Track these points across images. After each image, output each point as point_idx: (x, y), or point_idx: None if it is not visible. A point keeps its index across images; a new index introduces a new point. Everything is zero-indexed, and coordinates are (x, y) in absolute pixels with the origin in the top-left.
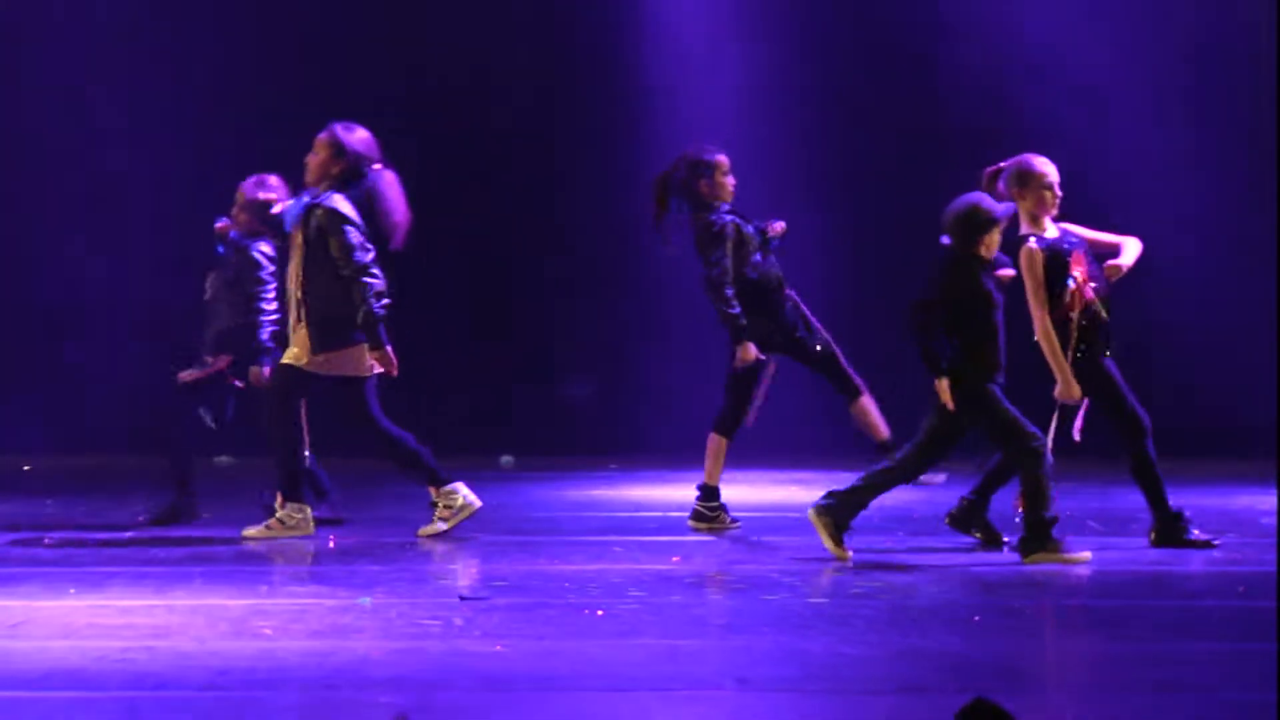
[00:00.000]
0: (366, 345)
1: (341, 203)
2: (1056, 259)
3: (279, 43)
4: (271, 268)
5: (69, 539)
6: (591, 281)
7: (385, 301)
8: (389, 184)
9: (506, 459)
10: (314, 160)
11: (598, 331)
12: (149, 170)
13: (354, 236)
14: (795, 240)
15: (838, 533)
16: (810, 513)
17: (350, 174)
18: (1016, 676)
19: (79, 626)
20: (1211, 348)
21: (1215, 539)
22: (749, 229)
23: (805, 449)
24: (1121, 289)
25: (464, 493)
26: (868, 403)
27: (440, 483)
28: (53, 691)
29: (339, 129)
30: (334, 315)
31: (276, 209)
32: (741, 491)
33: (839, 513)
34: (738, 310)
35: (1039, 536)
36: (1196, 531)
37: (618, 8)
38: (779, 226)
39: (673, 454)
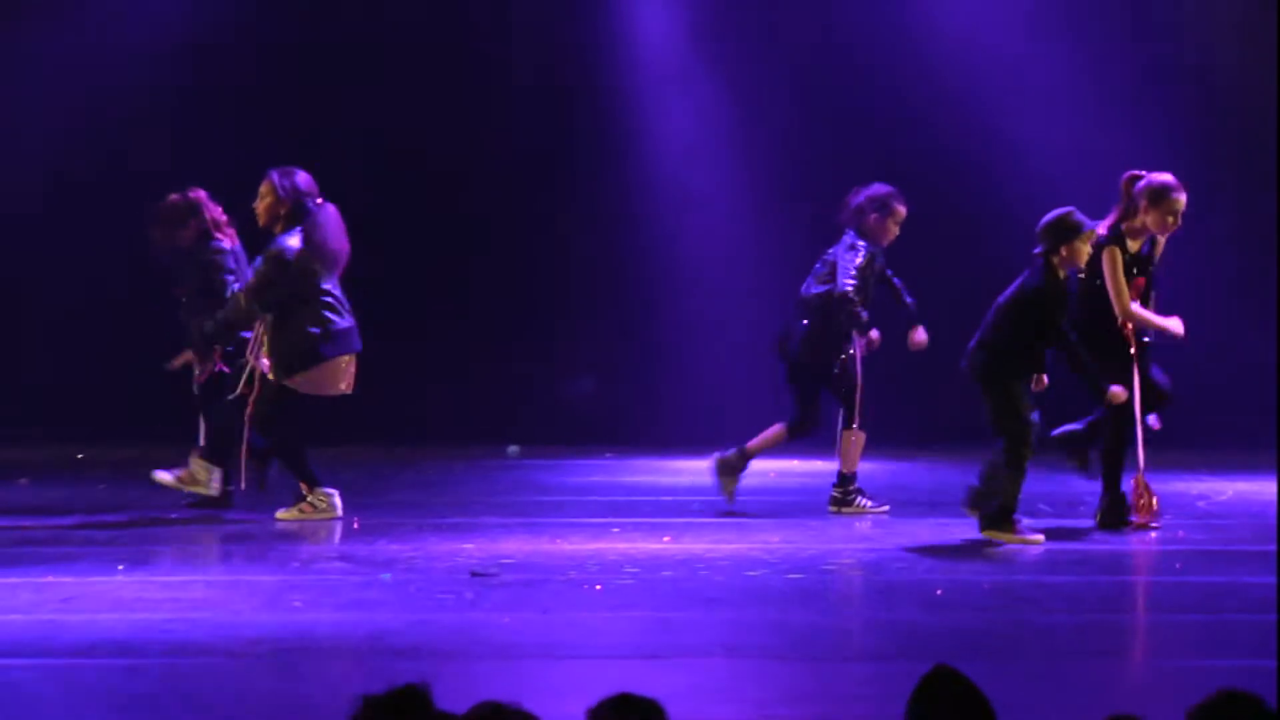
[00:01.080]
0: (330, 362)
1: (291, 241)
2: (1127, 271)
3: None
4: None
5: (118, 521)
6: (590, 294)
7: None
8: (329, 216)
9: (513, 449)
10: (261, 205)
11: (595, 337)
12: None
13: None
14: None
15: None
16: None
17: (295, 211)
18: (976, 646)
19: (126, 600)
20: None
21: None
22: (880, 261)
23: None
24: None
25: (334, 500)
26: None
27: (315, 484)
28: (101, 659)
29: (276, 175)
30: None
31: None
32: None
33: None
34: (866, 315)
35: (1004, 519)
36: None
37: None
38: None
39: (662, 445)
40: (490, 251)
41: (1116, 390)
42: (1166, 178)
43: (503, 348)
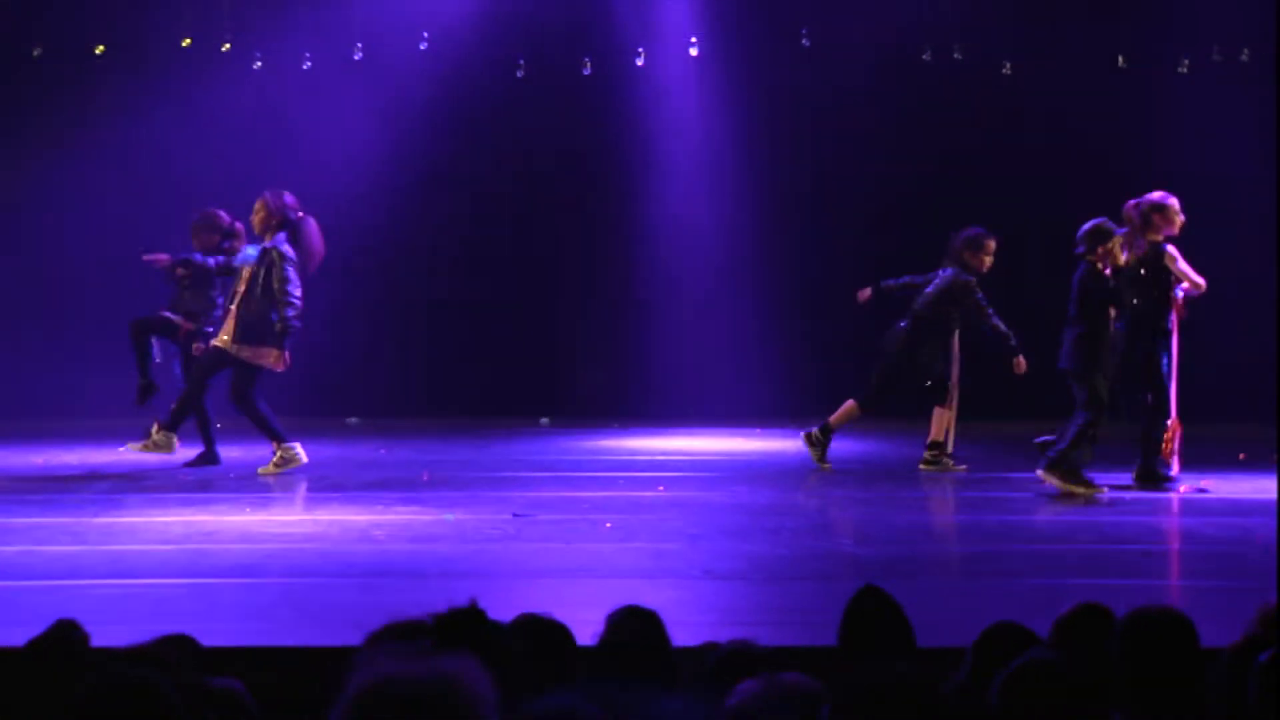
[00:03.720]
0: (275, 347)
1: (286, 246)
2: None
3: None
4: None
5: (247, 473)
6: (605, 302)
7: (297, 320)
8: (310, 228)
9: (544, 420)
10: (256, 219)
11: (607, 335)
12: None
13: (290, 272)
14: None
15: (1076, 477)
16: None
17: (282, 223)
18: (894, 570)
19: (253, 534)
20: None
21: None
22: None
23: (743, 411)
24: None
25: (298, 450)
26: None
27: (281, 440)
28: (234, 579)
29: (269, 194)
30: (257, 324)
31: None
32: (703, 443)
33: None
34: (1005, 329)
35: (1072, 470)
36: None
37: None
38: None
39: (657, 419)
40: (524, 268)
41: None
42: (1163, 197)
43: (537, 342)
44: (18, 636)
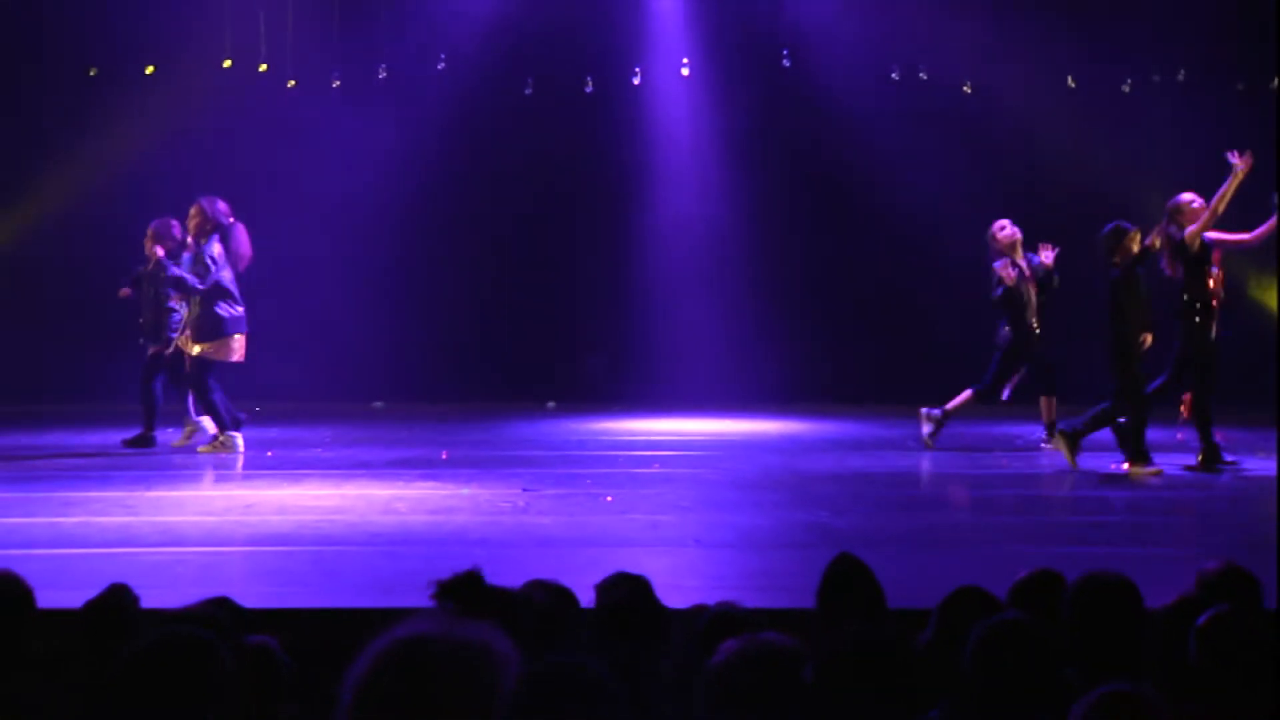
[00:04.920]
0: (231, 338)
1: (215, 247)
2: (1208, 250)
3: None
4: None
5: (282, 452)
6: (606, 300)
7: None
8: (239, 233)
9: (551, 404)
10: (191, 223)
11: (608, 329)
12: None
13: (211, 266)
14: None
15: (1076, 450)
16: (1057, 435)
17: (215, 227)
18: (867, 539)
19: (287, 506)
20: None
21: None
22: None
23: (732, 396)
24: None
25: (237, 440)
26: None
27: (225, 429)
28: (270, 547)
29: (204, 201)
30: (206, 321)
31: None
32: (695, 425)
33: (1076, 438)
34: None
35: (1139, 454)
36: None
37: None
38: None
39: (653, 405)
40: (535, 267)
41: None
42: (1177, 198)
43: (545, 334)
44: (75, 599)
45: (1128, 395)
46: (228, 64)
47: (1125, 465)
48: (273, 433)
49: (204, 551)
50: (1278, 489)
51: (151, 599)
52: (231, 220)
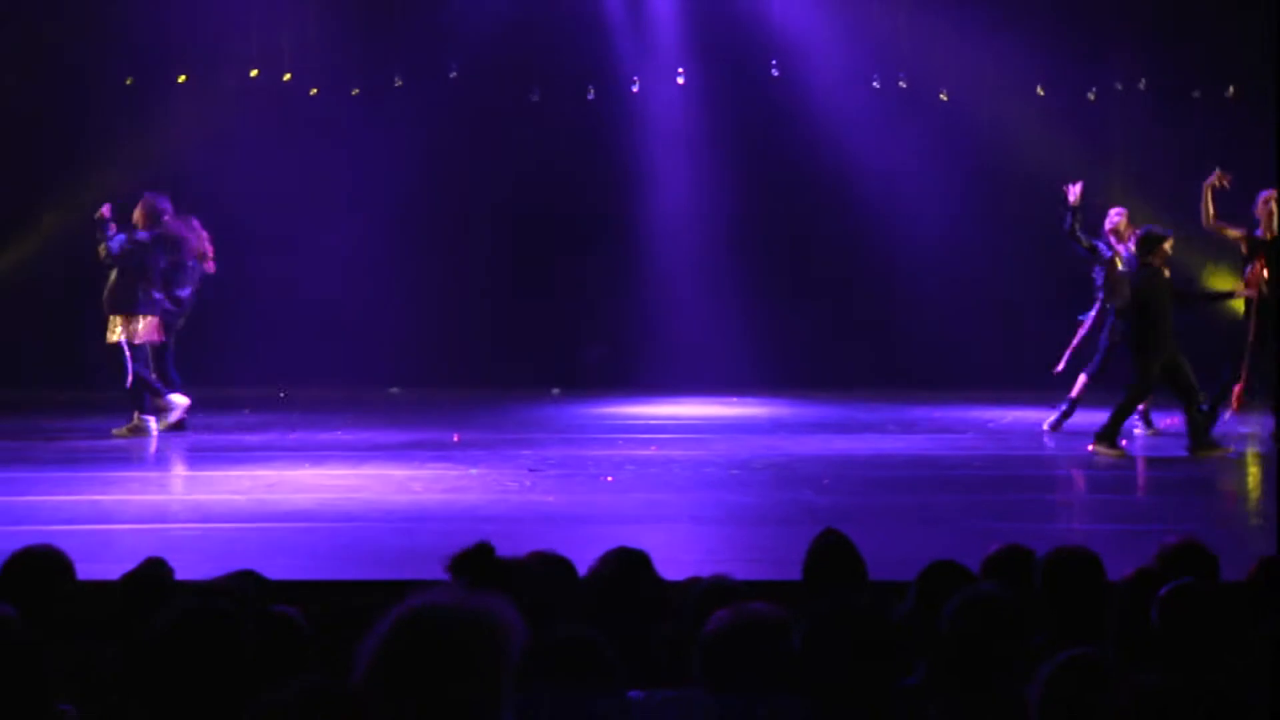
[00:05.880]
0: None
1: (145, 235)
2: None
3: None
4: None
5: (304, 435)
6: (606, 291)
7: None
8: (178, 226)
9: (556, 390)
10: (137, 215)
11: (609, 319)
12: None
13: (146, 255)
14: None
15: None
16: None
17: (155, 221)
18: (849, 516)
19: (308, 485)
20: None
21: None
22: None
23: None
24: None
25: (151, 425)
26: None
27: (144, 412)
28: (293, 523)
29: (149, 195)
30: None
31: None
32: (690, 409)
33: (1110, 432)
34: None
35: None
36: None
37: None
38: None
39: (650, 389)
40: (541, 262)
41: None
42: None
43: (550, 324)
44: (114, 571)
45: (1141, 382)
46: (254, 74)
47: (1188, 449)
48: (295, 418)
49: (232, 527)
50: (1276, 473)
51: (184, 571)
52: (169, 216)
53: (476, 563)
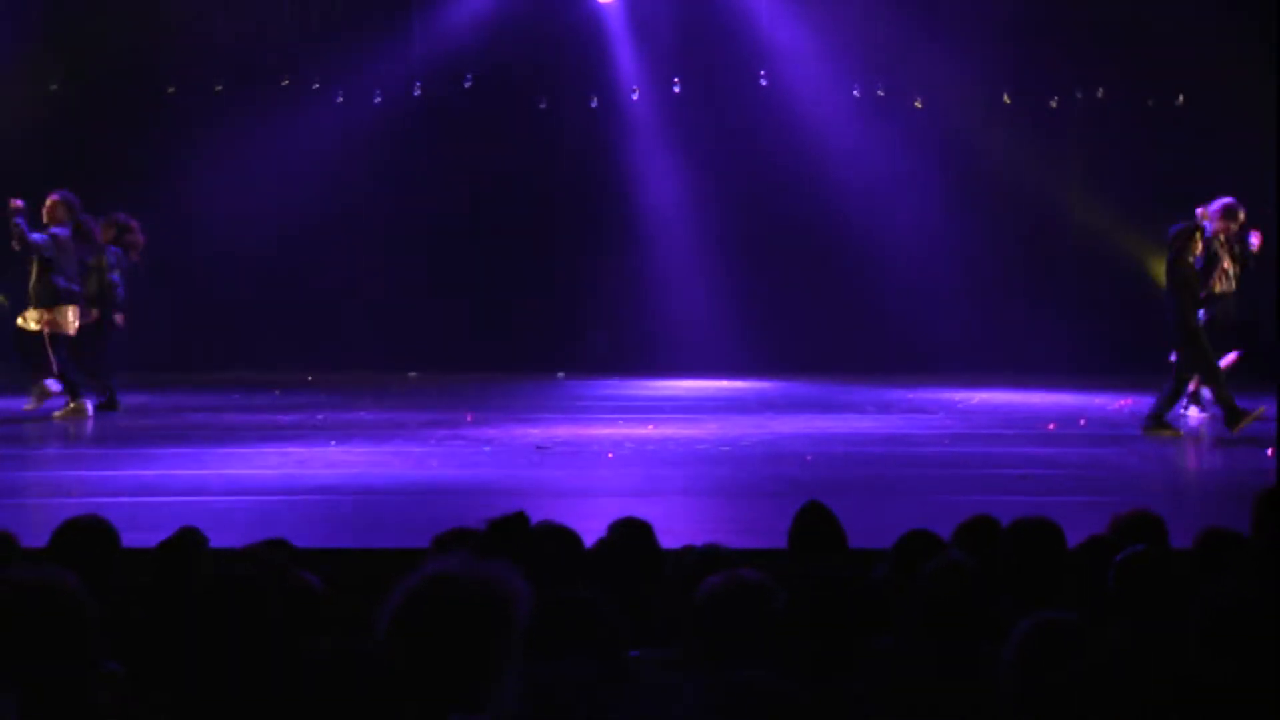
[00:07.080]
0: (67, 311)
1: (60, 231)
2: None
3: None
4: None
5: (331, 417)
6: (610, 277)
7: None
8: (89, 224)
9: (561, 374)
10: (47, 212)
11: (612, 305)
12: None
13: (61, 255)
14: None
15: (1162, 421)
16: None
17: (68, 218)
18: (829, 489)
19: (334, 461)
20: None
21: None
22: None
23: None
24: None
25: (85, 405)
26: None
27: (77, 398)
28: (318, 496)
29: (60, 194)
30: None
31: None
32: (685, 389)
33: (1161, 413)
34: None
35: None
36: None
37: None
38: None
39: (650, 371)
40: (547, 253)
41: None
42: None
43: (556, 312)
44: (151, 539)
45: (1194, 366)
46: (285, 83)
47: (1157, 435)
48: (319, 400)
49: (263, 499)
50: (1277, 464)
51: (218, 540)
52: (81, 215)
53: (514, 527)
